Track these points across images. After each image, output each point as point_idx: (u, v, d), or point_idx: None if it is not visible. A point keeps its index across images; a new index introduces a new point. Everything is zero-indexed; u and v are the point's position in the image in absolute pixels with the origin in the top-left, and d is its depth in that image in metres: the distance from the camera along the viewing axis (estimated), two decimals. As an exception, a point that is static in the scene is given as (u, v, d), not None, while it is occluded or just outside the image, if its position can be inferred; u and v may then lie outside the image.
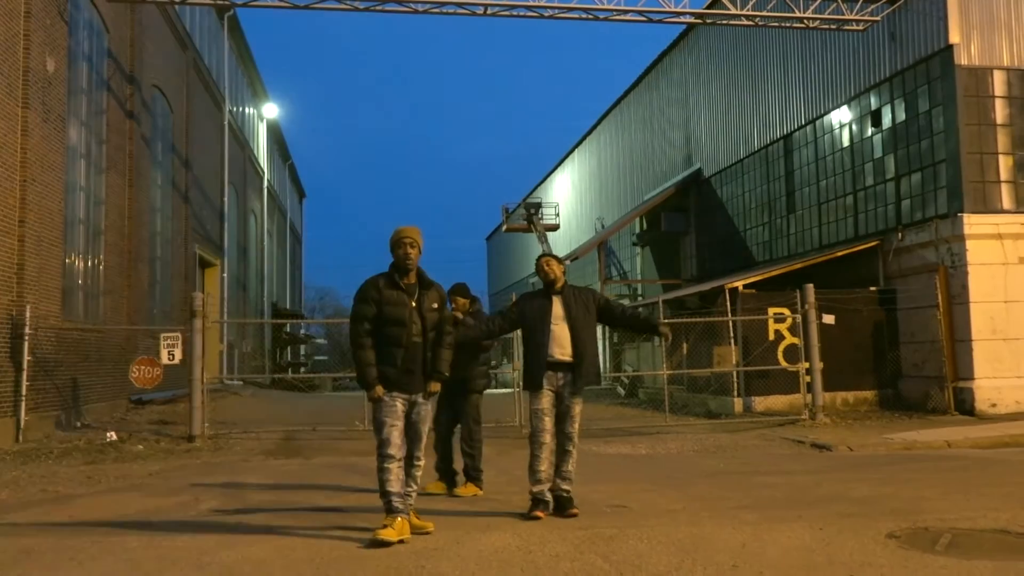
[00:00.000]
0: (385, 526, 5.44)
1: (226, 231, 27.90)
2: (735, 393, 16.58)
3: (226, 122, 28.00)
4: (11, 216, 12.71)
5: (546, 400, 6.34)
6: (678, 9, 16.27)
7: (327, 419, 15.44)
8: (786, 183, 21.61)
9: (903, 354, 16.76)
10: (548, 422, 6.33)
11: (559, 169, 44.71)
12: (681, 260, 28.41)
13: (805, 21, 16.80)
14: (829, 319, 15.30)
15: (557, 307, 6.41)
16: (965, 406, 15.10)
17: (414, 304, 5.79)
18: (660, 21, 16.52)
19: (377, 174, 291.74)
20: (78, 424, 14.35)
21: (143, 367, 13.48)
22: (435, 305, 5.89)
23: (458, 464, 7.94)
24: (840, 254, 17.90)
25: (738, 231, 24.18)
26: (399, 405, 5.69)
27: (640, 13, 16.14)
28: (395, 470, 5.59)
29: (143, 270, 19.15)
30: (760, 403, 16.40)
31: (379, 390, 5.65)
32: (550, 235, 39.76)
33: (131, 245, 18.14)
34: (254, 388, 25.92)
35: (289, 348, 42.91)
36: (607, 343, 24.90)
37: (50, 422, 13.58)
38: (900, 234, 16.90)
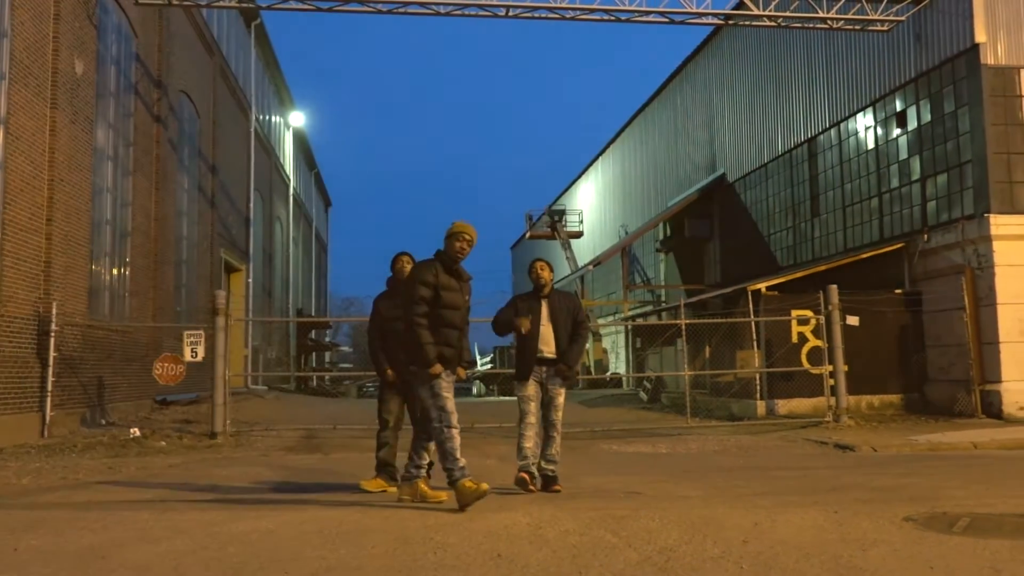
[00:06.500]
0: (467, 488, 5.78)
1: (252, 237, 28.14)
2: (758, 396, 16.43)
3: (252, 129, 28.28)
4: (39, 215, 12.88)
5: (531, 388, 7.12)
6: (700, 10, 16.19)
7: (349, 420, 15.45)
8: (810, 187, 21.46)
9: (930, 357, 16.54)
10: (534, 406, 7.11)
11: (583, 177, 44.59)
12: (705, 266, 28.26)
13: (829, 22, 16.68)
14: (853, 320, 15.16)
15: (545, 309, 7.18)
16: (993, 409, 14.88)
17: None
18: (683, 22, 16.46)
19: (403, 185, 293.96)
20: (103, 422, 14.51)
21: (166, 364, 13.63)
22: (467, 296, 6.39)
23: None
24: (865, 256, 17.72)
25: (762, 236, 24.01)
26: (451, 382, 6.15)
27: (662, 14, 16.08)
28: (458, 436, 6.02)
29: (169, 272, 19.34)
30: (783, 406, 16.25)
31: (439, 367, 6.02)
32: (574, 242, 39.67)
33: (157, 248, 18.34)
34: (278, 392, 26.05)
35: (314, 354, 43.11)
36: (630, 348, 24.77)
37: (75, 419, 13.74)
38: (926, 236, 16.71)
